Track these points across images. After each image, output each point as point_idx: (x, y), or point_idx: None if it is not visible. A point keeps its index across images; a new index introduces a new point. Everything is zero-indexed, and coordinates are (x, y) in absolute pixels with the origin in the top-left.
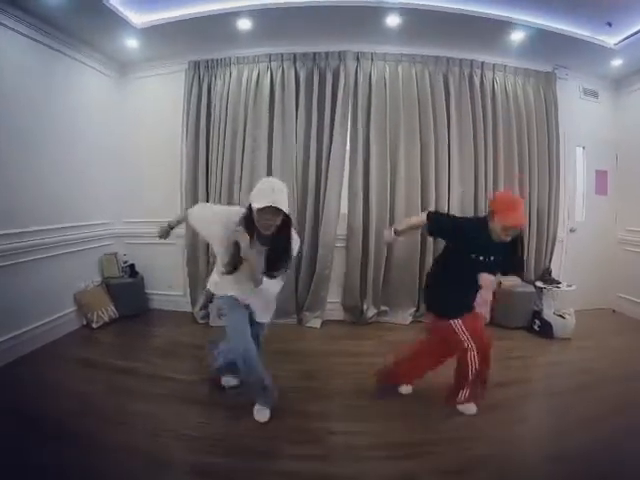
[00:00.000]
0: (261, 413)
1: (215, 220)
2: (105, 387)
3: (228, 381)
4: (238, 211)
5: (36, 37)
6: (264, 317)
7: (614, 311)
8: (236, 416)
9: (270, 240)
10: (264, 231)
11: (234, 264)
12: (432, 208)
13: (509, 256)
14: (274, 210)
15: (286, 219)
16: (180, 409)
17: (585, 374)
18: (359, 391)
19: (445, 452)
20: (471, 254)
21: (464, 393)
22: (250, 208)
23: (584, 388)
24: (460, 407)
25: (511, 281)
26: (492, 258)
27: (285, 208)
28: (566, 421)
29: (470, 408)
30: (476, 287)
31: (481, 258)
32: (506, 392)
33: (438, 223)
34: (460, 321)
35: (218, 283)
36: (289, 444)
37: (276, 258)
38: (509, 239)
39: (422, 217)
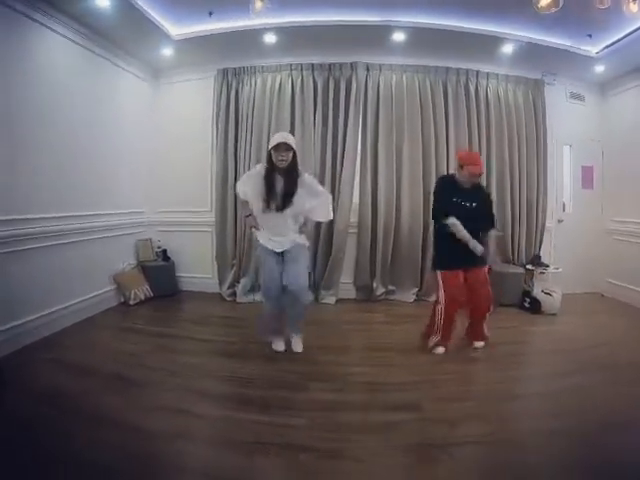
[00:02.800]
0: (295, 343)
1: (245, 179)
2: (150, 347)
3: (278, 345)
4: (259, 165)
5: (82, 43)
6: (289, 242)
7: (603, 295)
8: (268, 362)
9: (285, 171)
10: (279, 165)
11: (268, 201)
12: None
13: (484, 209)
14: (285, 146)
15: (294, 155)
16: (220, 360)
17: (565, 340)
18: (368, 347)
19: (443, 387)
20: (454, 199)
21: (433, 339)
22: (270, 152)
23: (562, 350)
24: (432, 349)
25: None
26: (473, 204)
27: (293, 144)
28: (543, 372)
29: (438, 350)
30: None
31: (462, 202)
32: (495, 350)
33: (436, 211)
34: (442, 274)
35: (258, 235)
36: (313, 381)
37: (290, 184)
38: (476, 182)
39: (451, 220)
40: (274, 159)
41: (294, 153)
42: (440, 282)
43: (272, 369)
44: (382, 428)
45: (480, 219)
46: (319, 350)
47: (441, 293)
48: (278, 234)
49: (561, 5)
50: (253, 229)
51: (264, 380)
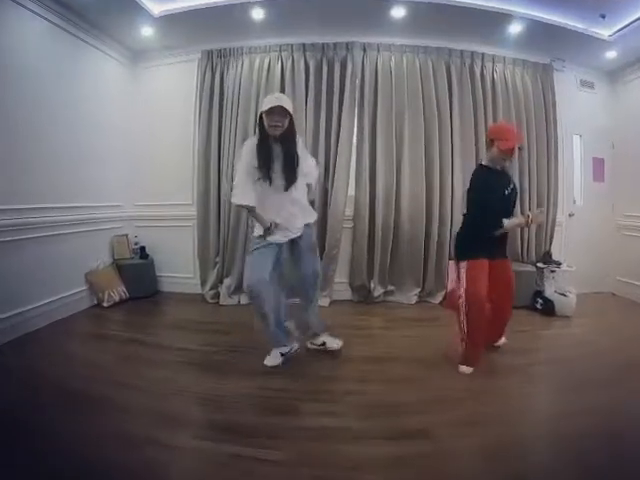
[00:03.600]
0: (331, 340)
1: (240, 162)
2: (118, 357)
3: (273, 359)
4: (248, 141)
5: (56, 21)
6: (301, 224)
7: (614, 294)
8: (251, 377)
9: (281, 140)
10: (272, 132)
11: (266, 169)
12: (437, 196)
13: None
14: (280, 111)
15: (291, 121)
16: (196, 374)
17: (586, 345)
18: (367, 357)
19: (457, 407)
20: (504, 190)
21: (459, 350)
22: (261, 117)
23: (585, 357)
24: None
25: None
26: (507, 192)
27: (290, 108)
28: (569, 384)
29: (463, 369)
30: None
31: (505, 192)
32: (513, 359)
33: (478, 205)
34: (468, 263)
35: (254, 228)
36: (305, 402)
37: (289, 156)
38: (508, 163)
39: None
40: (266, 125)
41: (291, 119)
42: (463, 273)
43: (256, 386)
44: (385, 464)
45: (514, 200)
46: (312, 362)
47: (464, 285)
48: (286, 218)
49: None
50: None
51: (245, 401)
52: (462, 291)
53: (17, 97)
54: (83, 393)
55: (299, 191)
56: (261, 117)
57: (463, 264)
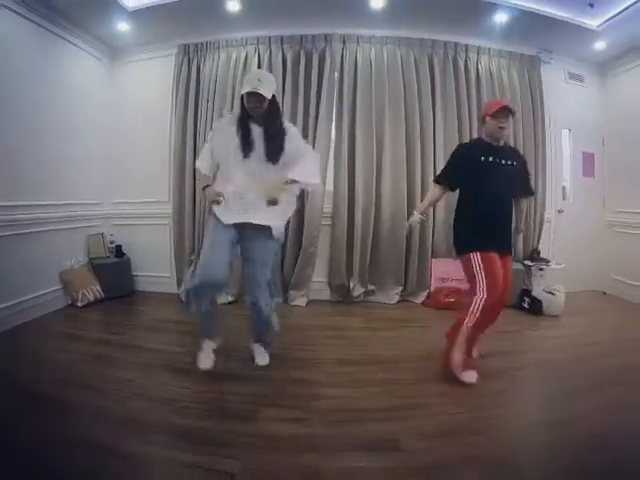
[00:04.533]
0: (261, 354)
1: (210, 139)
2: (87, 357)
3: (203, 360)
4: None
5: (30, 16)
6: (263, 220)
7: (605, 293)
8: (216, 379)
9: (263, 118)
10: (252, 113)
11: (246, 144)
12: (419, 192)
13: (522, 171)
14: (257, 95)
15: (273, 102)
16: (163, 376)
17: (574, 347)
18: (342, 360)
19: (430, 415)
20: (481, 157)
21: (457, 356)
22: (242, 98)
23: (574, 360)
24: (461, 374)
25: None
26: (504, 162)
27: (266, 93)
28: (555, 390)
29: (469, 378)
30: (502, 213)
31: (490, 159)
32: (496, 361)
33: (448, 176)
34: (480, 255)
35: (215, 209)
36: (267, 407)
37: (273, 129)
38: (505, 127)
39: (434, 189)
40: (246, 103)
41: (273, 99)
42: (479, 265)
43: (219, 389)
44: (346, 478)
45: (511, 177)
46: (282, 364)
47: (482, 279)
48: (244, 187)
49: None
50: (214, 205)
51: (207, 404)
52: (481, 285)
53: None
54: (43, 395)
55: (279, 172)
56: (242, 98)
57: (475, 256)
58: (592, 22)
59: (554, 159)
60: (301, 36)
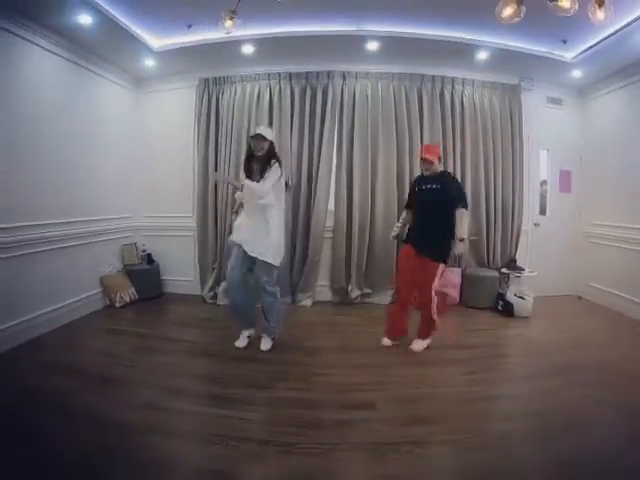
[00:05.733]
0: (264, 341)
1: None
2: (131, 347)
3: (240, 340)
4: None
5: (66, 56)
6: (255, 252)
7: (580, 297)
8: (242, 362)
9: (261, 159)
10: (256, 152)
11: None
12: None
13: (451, 190)
14: (260, 137)
15: (271, 146)
16: (195, 359)
17: (535, 343)
18: (337, 348)
19: (403, 387)
20: (417, 187)
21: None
22: (248, 141)
23: (531, 353)
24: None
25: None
26: (430, 186)
27: (268, 136)
28: (510, 375)
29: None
30: (428, 223)
31: (422, 187)
32: (466, 353)
33: (408, 202)
34: (444, 267)
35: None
36: (280, 381)
37: (260, 172)
38: (429, 173)
39: (405, 213)
40: (252, 146)
41: (271, 143)
42: (440, 274)
43: (244, 368)
44: (339, 425)
45: (447, 200)
46: (292, 351)
47: (438, 284)
48: (250, 222)
49: (523, 15)
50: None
51: (234, 378)
52: (436, 287)
53: (35, 126)
54: (102, 376)
55: (265, 208)
56: (248, 141)
57: (442, 266)
58: (567, 54)
59: (532, 178)
60: (307, 72)
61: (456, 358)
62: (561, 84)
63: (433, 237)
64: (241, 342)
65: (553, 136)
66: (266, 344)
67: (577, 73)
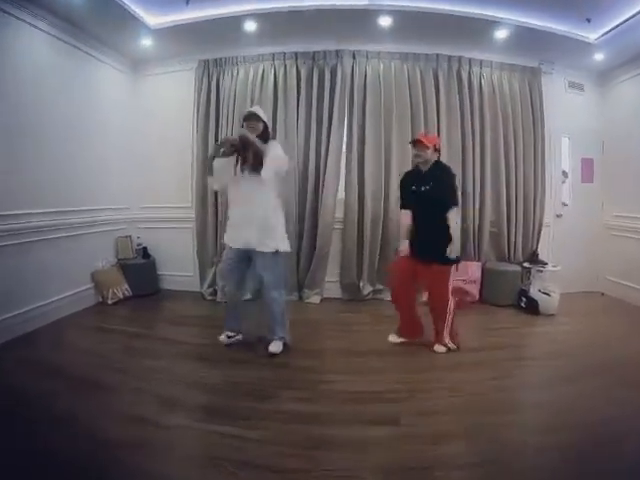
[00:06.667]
0: (274, 344)
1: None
2: (121, 348)
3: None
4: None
5: (59, 36)
6: (262, 246)
7: (603, 294)
8: (239, 366)
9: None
10: (251, 133)
11: (239, 165)
12: None
13: (440, 189)
14: (255, 117)
15: (265, 127)
16: (189, 363)
17: (563, 343)
18: (348, 350)
19: (427, 397)
20: (411, 186)
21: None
22: (242, 126)
23: (560, 354)
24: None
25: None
26: (423, 188)
27: (262, 116)
28: (540, 380)
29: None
30: (427, 228)
31: (414, 188)
32: (490, 355)
33: (402, 202)
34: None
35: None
36: (284, 389)
37: (258, 154)
38: (419, 159)
39: (403, 215)
40: (245, 127)
41: (265, 125)
42: (451, 276)
43: (242, 374)
44: (355, 445)
45: (436, 202)
46: (296, 354)
47: (450, 288)
48: (247, 213)
49: None
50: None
51: (231, 387)
52: (449, 291)
53: (28, 108)
54: (89, 379)
55: (263, 192)
56: (242, 126)
57: (454, 267)
58: (590, 35)
59: (554, 166)
60: (314, 52)
61: (481, 361)
62: (582, 68)
63: (436, 239)
64: (224, 338)
65: (574, 123)
66: (276, 347)
67: (599, 56)
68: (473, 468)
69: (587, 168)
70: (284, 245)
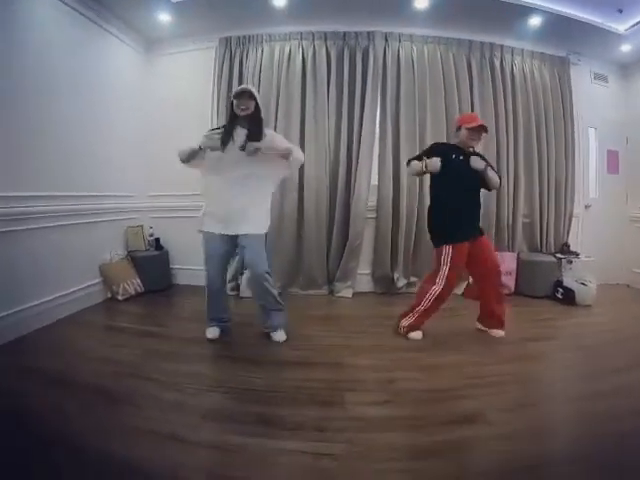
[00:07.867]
0: (277, 335)
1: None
2: (140, 351)
3: (211, 332)
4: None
5: (69, 3)
6: (244, 228)
7: (629, 286)
8: (285, 367)
9: (247, 122)
10: (240, 113)
11: (224, 144)
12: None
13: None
14: (247, 95)
15: (257, 109)
16: (224, 367)
17: (609, 332)
18: (398, 346)
19: (504, 391)
20: (452, 155)
21: (405, 322)
22: (232, 103)
23: (609, 344)
24: (406, 334)
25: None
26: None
27: (256, 94)
28: (593, 369)
29: (414, 335)
30: (471, 204)
31: (461, 157)
32: (538, 345)
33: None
34: (451, 247)
35: (202, 219)
36: (347, 392)
37: (253, 133)
38: (475, 143)
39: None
40: (235, 108)
41: (257, 105)
42: (447, 258)
43: (292, 377)
44: (450, 450)
45: (474, 172)
46: (344, 351)
47: (444, 272)
48: (231, 198)
49: None
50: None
51: (283, 392)
52: (442, 276)
53: (32, 84)
54: (102, 388)
55: (257, 178)
56: (232, 103)
57: (447, 248)
58: (620, 26)
59: (582, 157)
60: (344, 33)
61: (542, 351)
62: (607, 59)
63: (478, 214)
64: (213, 333)
65: (599, 114)
66: (280, 336)
67: (626, 47)
68: (583, 463)
69: (613, 159)
70: (266, 228)
